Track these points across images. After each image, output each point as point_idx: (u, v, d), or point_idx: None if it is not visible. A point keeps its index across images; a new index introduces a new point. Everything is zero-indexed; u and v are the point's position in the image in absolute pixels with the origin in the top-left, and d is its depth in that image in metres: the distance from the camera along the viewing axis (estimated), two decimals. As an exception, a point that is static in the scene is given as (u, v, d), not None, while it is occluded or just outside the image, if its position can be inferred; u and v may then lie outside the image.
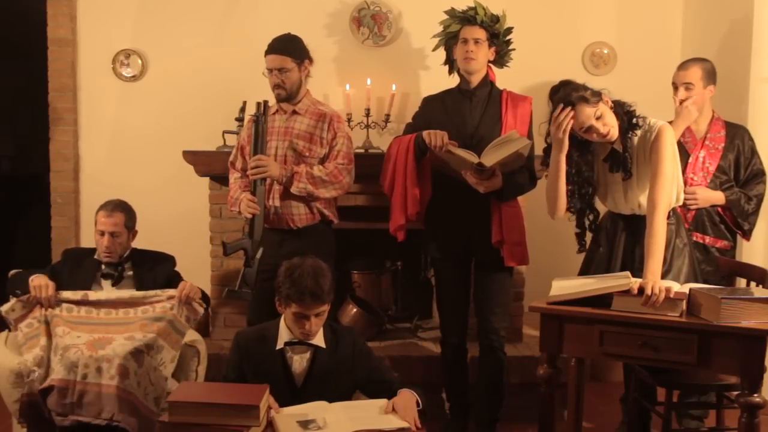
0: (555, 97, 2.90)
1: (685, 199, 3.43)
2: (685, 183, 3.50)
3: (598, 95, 2.87)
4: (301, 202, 3.37)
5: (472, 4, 3.42)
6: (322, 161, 3.39)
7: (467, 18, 3.40)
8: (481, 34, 3.36)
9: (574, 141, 2.94)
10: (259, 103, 3.30)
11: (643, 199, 2.95)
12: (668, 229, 2.89)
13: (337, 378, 2.67)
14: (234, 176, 3.53)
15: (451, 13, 3.49)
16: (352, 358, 2.72)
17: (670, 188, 2.87)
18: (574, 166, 2.98)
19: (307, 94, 3.47)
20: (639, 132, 2.91)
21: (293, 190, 3.29)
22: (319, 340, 2.69)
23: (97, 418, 2.88)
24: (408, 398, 2.58)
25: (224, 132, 4.16)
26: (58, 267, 3.40)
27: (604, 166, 3.00)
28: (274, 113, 3.44)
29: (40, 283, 3.15)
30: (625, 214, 3.04)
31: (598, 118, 2.85)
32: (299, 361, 2.68)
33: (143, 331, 3.09)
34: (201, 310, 3.25)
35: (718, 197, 3.50)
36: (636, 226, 2.98)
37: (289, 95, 3.39)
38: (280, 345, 2.67)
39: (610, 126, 2.87)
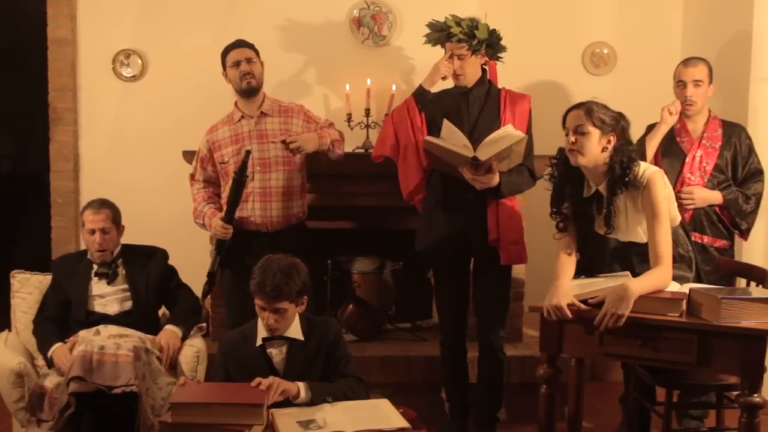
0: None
1: (682, 199, 3.42)
2: (683, 183, 3.50)
3: (609, 125, 2.77)
4: (280, 205, 3.42)
5: (458, 14, 3.39)
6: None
7: (444, 36, 3.38)
8: (462, 48, 3.34)
9: (567, 171, 2.93)
10: (245, 157, 3.34)
11: (634, 236, 2.89)
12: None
13: (313, 369, 2.71)
14: (196, 187, 3.60)
15: (432, 27, 3.47)
16: (324, 347, 2.75)
17: (669, 238, 2.79)
18: (567, 198, 2.95)
19: (266, 95, 3.57)
20: (626, 182, 2.80)
21: (331, 155, 3.53)
22: (296, 332, 2.74)
23: (114, 384, 2.89)
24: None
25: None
26: (56, 280, 3.42)
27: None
28: (239, 120, 3.51)
29: (63, 363, 3.10)
30: None
31: (578, 133, 2.78)
32: (278, 355, 2.73)
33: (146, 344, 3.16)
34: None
35: (715, 197, 3.48)
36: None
37: (257, 86, 3.49)
38: (258, 342, 2.73)
39: (583, 150, 2.78)
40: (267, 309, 2.65)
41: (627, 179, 2.78)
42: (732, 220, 3.53)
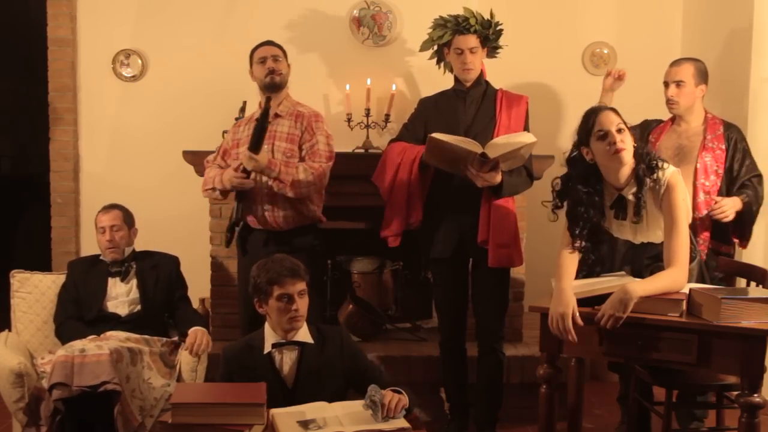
0: (587, 110, 2.86)
1: (716, 214, 3.34)
2: (697, 190, 3.40)
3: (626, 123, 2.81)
4: (287, 206, 3.40)
5: (462, 11, 3.40)
6: (302, 160, 3.42)
7: (460, 29, 3.37)
8: (475, 41, 3.36)
9: (580, 175, 2.86)
10: (266, 104, 3.32)
11: (653, 236, 2.90)
12: None
13: (327, 376, 2.68)
14: (209, 168, 3.55)
15: (442, 22, 3.46)
16: (341, 356, 2.73)
17: (687, 241, 2.76)
18: (584, 202, 2.85)
19: (288, 97, 3.54)
20: (652, 180, 2.78)
21: (274, 185, 3.30)
22: (305, 337, 2.71)
23: (96, 383, 2.89)
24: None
25: (224, 132, 4.15)
26: (71, 280, 3.46)
27: (610, 213, 2.90)
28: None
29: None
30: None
31: (619, 131, 2.76)
32: (288, 362, 2.69)
33: (137, 344, 3.18)
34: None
35: (737, 203, 3.37)
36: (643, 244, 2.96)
37: (280, 83, 3.46)
38: (267, 349, 2.69)
39: (627, 146, 2.75)
40: (293, 294, 2.62)
41: (655, 164, 2.77)
42: (738, 229, 3.43)
